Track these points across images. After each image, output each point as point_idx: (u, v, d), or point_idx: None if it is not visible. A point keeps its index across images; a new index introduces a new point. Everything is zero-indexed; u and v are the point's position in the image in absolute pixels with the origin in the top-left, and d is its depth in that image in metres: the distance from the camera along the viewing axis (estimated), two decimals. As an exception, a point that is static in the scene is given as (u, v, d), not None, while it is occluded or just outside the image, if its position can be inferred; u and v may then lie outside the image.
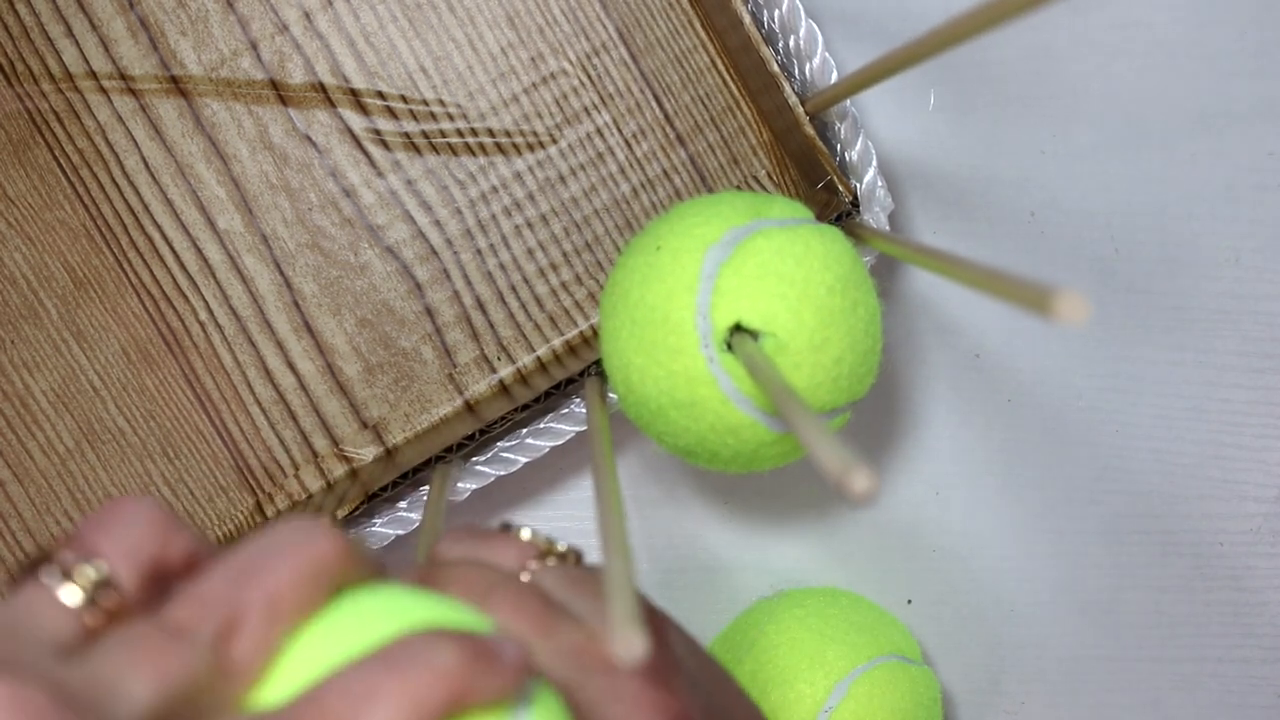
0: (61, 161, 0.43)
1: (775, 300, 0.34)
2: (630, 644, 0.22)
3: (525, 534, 0.30)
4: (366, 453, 0.43)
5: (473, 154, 0.43)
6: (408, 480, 0.43)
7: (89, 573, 0.21)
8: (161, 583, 0.21)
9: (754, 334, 0.34)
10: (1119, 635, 0.47)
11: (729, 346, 0.34)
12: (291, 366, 0.43)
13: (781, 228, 0.35)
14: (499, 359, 0.43)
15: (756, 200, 0.37)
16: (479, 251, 0.43)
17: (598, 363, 0.42)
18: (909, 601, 0.47)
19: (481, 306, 0.43)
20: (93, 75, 0.43)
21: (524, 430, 0.42)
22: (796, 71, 0.41)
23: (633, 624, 0.23)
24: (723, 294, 0.34)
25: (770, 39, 0.41)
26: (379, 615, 0.21)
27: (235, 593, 0.20)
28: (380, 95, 0.43)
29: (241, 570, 0.21)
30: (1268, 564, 0.46)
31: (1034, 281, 0.24)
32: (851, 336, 0.35)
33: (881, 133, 0.46)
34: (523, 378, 0.43)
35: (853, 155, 0.40)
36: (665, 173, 0.43)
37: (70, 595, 0.20)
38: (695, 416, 0.35)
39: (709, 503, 0.47)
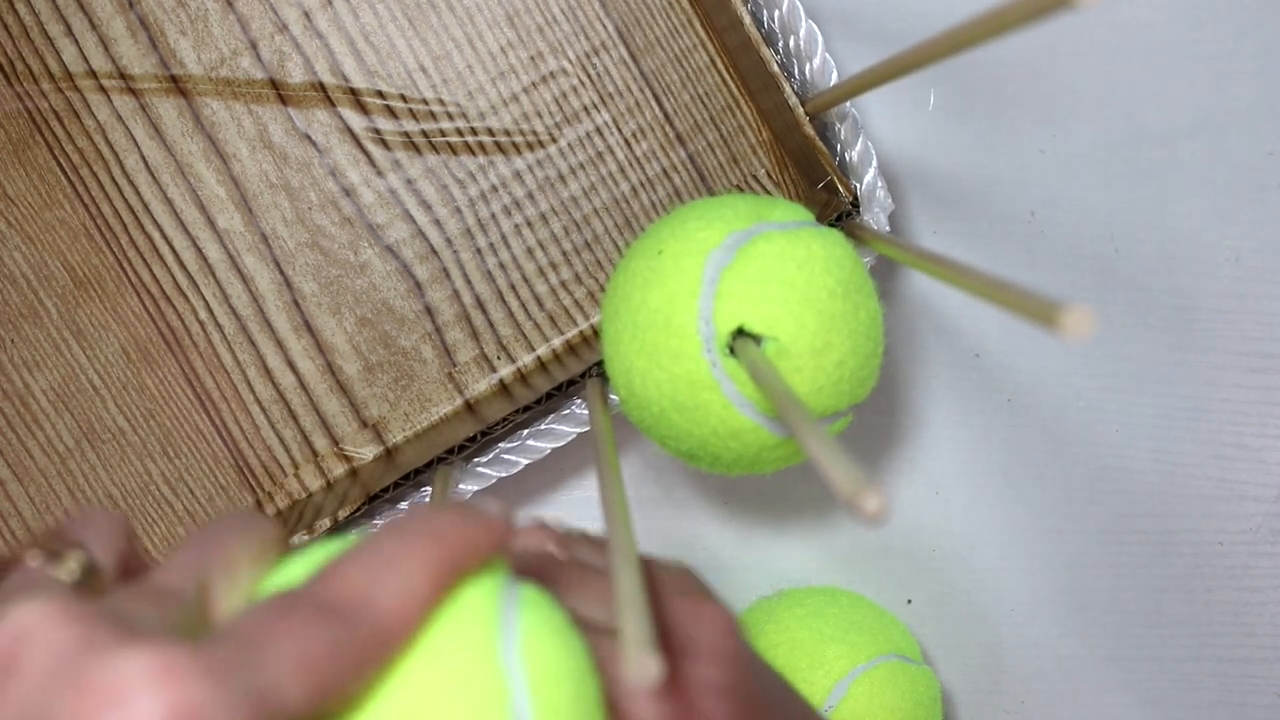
0: (61, 161, 0.43)
1: (777, 304, 0.34)
2: (644, 666, 0.22)
3: (549, 517, 0.32)
4: (366, 452, 0.43)
5: (472, 153, 0.43)
6: (409, 481, 0.43)
7: (79, 557, 0.22)
8: (126, 578, 0.23)
9: (756, 338, 0.34)
10: (1119, 635, 0.47)
11: (731, 350, 0.34)
12: (291, 365, 0.43)
13: (783, 231, 0.35)
14: (499, 358, 0.43)
15: (758, 203, 0.37)
16: (478, 250, 0.43)
17: (599, 364, 0.42)
18: (909, 601, 0.47)
19: (481, 305, 0.43)
20: (92, 74, 0.43)
21: (525, 431, 0.42)
22: (796, 71, 0.41)
23: (645, 646, 0.22)
24: (725, 298, 0.34)
25: (770, 39, 0.41)
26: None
27: (202, 559, 0.22)
28: (380, 94, 0.43)
29: (202, 545, 0.22)
30: (1268, 564, 0.46)
31: (1040, 295, 0.24)
32: (853, 340, 0.35)
33: (881, 133, 0.46)
34: (522, 377, 0.43)
35: (853, 155, 0.40)
36: (665, 171, 0.43)
37: (63, 573, 0.22)
38: (697, 420, 0.35)
39: (709, 503, 0.47)
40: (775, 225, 0.36)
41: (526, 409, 0.43)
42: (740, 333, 0.34)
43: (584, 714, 0.23)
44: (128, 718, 0.17)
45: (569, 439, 0.41)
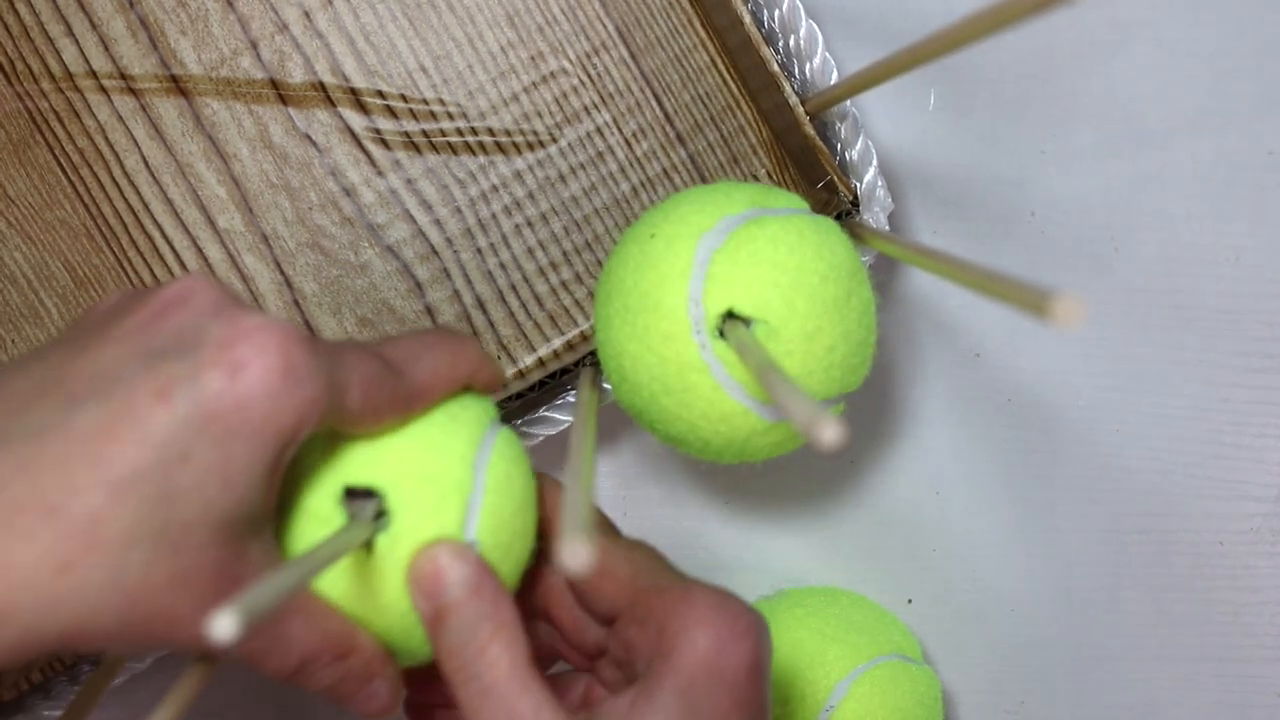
0: (62, 161, 0.43)
1: (768, 287, 0.34)
2: (577, 553, 0.23)
3: None
4: (366, 452, 0.43)
5: (472, 153, 0.43)
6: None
7: None
8: None
9: (746, 321, 0.34)
10: (1119, 635, 0.47)
11: (721, 334, 0.34)
12: (291, 365, 0.43)
13: (776, 216, 0.35)
14: (499, 358, 0.43)
15: (751, 190, 0.37)
16: (479, 250, 0.43)
17: (593, 354, 0.42)
18: (909, 601, 0.47)
19: (481, 305, 0.43)
20: (93, 74, 0.43)
21: (519, 420, 0.42)
22: (796, 71, 0.41)
23: (583, 535, 0.24)
24: (715, 281, 0.34)
25: (770, 38, 0.41)
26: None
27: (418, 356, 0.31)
28: (380, 94, 0.43)
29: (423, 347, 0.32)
30: (1268, 564, 0.46)
31: (1032, 284, 0.24)
32: (844, 326, 0.35)
33: (881, 132, 0.46)
34: (522, 376, 0.43)
35: (853, 155, 0.40)
36: (665, 171, 0.43)
37: None
38: (687, 404, 0.35)
39: (709, 502, 0.47)
40: (768, 211, 0.36)
41: (519, 396, 0.43)
42: (731, 315, 0.34)
43: (521, 527, 0.32)
44: (253, 345, 0.26)
45: (563, 427, 0.41)
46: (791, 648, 0.42)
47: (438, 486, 0.30)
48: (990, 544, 0.47)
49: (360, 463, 0.30)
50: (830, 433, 0.24)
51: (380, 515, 0.30)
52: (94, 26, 0.43)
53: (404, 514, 0.30)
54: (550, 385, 0.43)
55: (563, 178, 0.43)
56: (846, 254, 0.36)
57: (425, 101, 0.43)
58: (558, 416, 0.42)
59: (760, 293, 0.34)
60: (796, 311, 0.34)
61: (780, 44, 0.41)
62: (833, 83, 0.40)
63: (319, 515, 0.30)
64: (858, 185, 0.41)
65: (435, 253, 0.43)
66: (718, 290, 0.34)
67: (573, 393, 0.42)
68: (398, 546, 0.30)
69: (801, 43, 0.40)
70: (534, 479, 0.33)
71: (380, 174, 0.43)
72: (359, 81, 0.43)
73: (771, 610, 0.43)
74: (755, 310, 0.34)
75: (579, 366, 0.43)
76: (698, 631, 0.29)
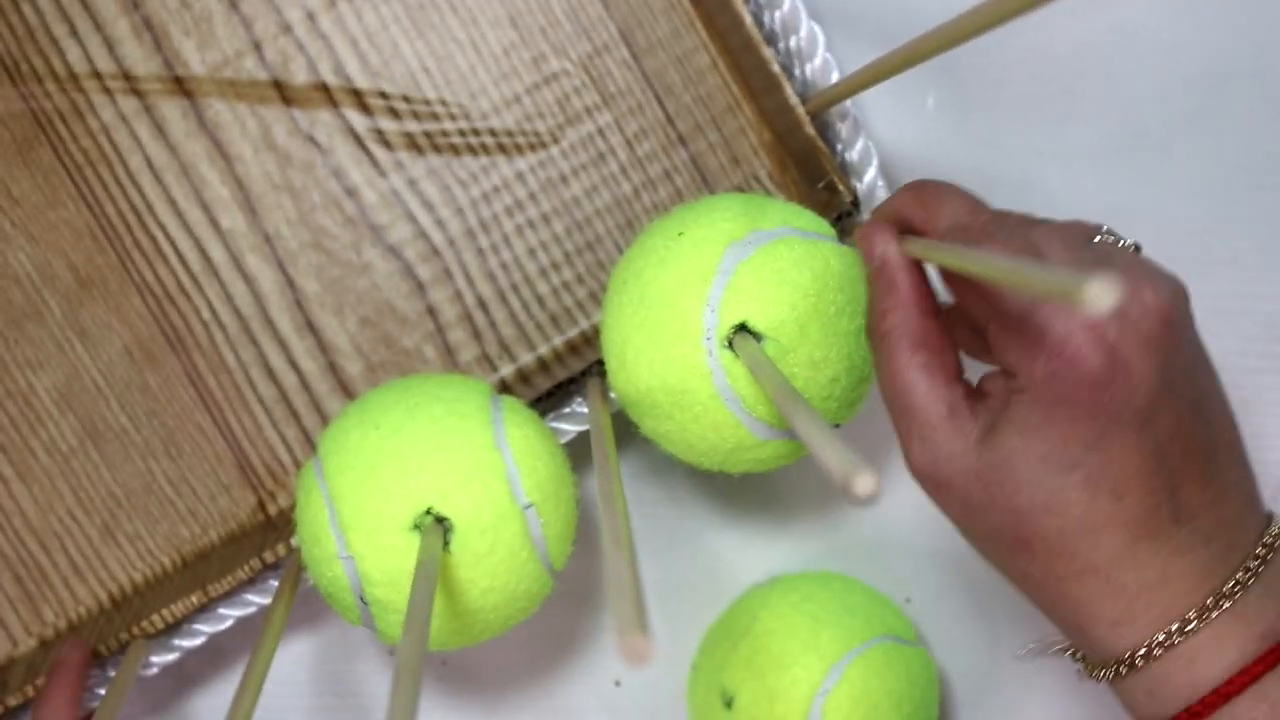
0: (65, 161, 0.43)
1: (785, 308, 0.34)
2: (635, 646, 0.23)
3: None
4: (369, 451, 0.43)
5: (474, 154, 0.43)
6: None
7: None
8: None
9: (757, 336, 0.34)
10: (1118, 634, 0.47)
11: (730, 344, 0.35)
12: (294, 365, 0.43)
13: (805, 240, 0.36)
14: (500, 358, 0.43)
15: (786, 209, 0.37)
16: (480, 251, 0.43)
17: (599, 362, 0.42)
18: (907, 600, 0.47)
19: (483, 305, 0.43)
20: (97, 75, 0.43)
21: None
22: (797, 72, 0.41)
23: (637, 626, 0.23)
24: (736, 291, 0.35)
25: (771, 39, 0.41)
26: None
27: None
28: (383, 95, 0.43)
29: None
30: (1266, 563, 0.46)
31: (1062, 272, 0.24)
32: (850, 360, 0.36)
33: (882, 133, 0.46)
34: (524, 376, 0.43)
35: (853, 155, 0.41)
36: (666, 173, 0.43)
37: None
38: (681, 405, 0.35)
39: (709, 503, 0.47)
40: (799, 232, 0.36)
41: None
42: (743, 328, 0.34)
43: (556, 473, 0.37)
44: None
45: (569, 437, 0.41)
46: (786, 633, 0.42)
47: (478, 481, 0.35)
48: (990, 543, 0.47)
49: (413, 488, 0.35)
50: (866, 485, 0.24)
51: (443, 522, 0.35)
52: (98, 27, 0.43)
53: (461, 518, 0.35)
54: (555, 394, 0.43)
55: (564, 179, 0.43)
56: (865, 291, 0.36)
57: (428, 102, 0.43)
58: (564, 427, 0.42)
59: (777, 312, 0.34)
60: (808, 337, 0.35)
61: (781, 45, 0.41)
62: (833, 82, 0.40)
63: (395, 547, 0.35)
64: (858, 185, 0.41)
65: (437, 253, 0.43)
66: (736, 300, 0.34)
67: (579, 402, 0.42)
68: (466, 546, 0.35)
69: (802, 43, 0.41)
70: (546, 429, 0.38)
71: (382, 175, 0.43)
72: (362, 82, 0.43)
73: (765, 596, 0.44)
74: (769, 328, 0.34)
75: (585, 376, 0.43)
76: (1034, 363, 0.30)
